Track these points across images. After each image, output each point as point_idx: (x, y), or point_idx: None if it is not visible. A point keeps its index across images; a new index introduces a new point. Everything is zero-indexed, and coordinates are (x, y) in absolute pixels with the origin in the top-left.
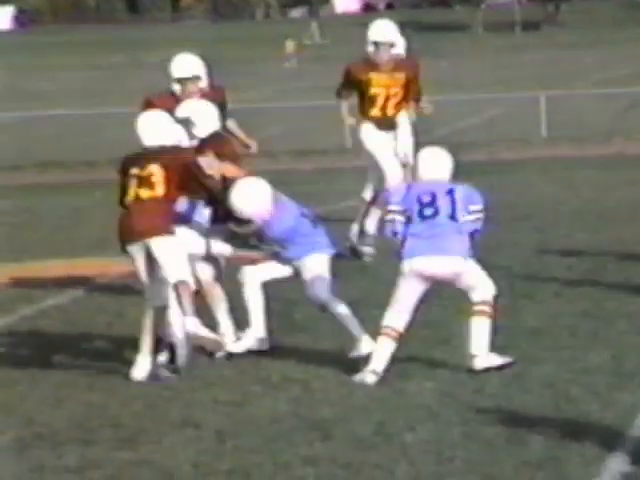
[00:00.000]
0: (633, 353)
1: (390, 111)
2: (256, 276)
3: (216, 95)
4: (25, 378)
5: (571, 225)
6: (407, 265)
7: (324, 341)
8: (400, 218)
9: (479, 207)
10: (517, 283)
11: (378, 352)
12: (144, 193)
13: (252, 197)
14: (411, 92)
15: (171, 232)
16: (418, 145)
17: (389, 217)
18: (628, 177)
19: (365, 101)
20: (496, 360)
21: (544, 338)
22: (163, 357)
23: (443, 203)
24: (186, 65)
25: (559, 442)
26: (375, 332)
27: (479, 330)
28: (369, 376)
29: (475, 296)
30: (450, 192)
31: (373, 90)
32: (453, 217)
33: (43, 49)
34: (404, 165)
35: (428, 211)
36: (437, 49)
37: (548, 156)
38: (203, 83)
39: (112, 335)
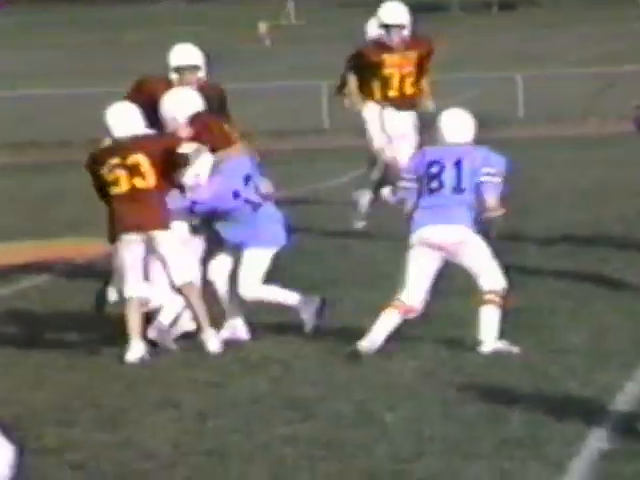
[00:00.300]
0: (611, 333)
1: (408, 90)
2: (221, 269)
3: (214, 91)
4: (3, 359)
5: (548, 205)
6: (414, 237)
7: (300, 322)
8: (412, 185)
9: (494, 170)
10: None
11: (380, 322)
12: (139, 183)
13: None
14: (425, 70)
15: (171, 226)
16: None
17: (401, 184)
18: (604, 157)
19: (379, 83)
20: (502, 347)
21: (523, 318)
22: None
23: (448, 175)
24: (186, 54)
25: (539, 421)
26: (356, 311)
27: (488, 319)
28: (363, 344)
29: (485, 284)
30: (458, 163)
31: (387, 71)
32: (458, 189)
33: (18, 28)
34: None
35: (434, 184)
36: (414, 29)
37: (525, 136)
38: (201, 74)
39: (90, 316)
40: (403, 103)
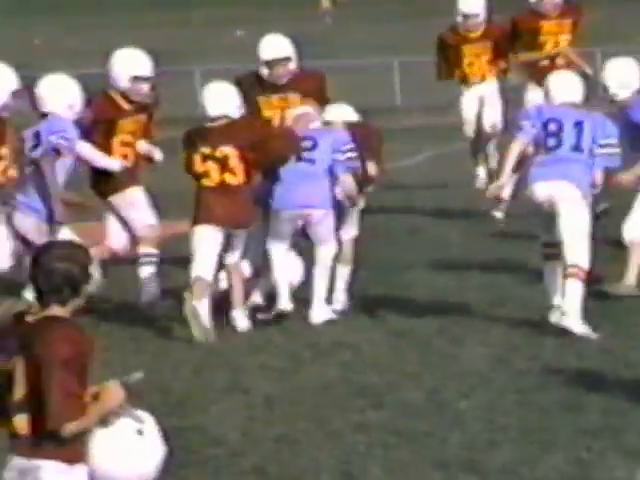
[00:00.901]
0: None
1: (559, 60)
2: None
3: (313, 79)
4: None
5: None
6: (529, 192)
7: (375, 305)
8: (530, 129)
9: (611, 140)
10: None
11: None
12: (229, 179)
13: None
14: (575, 36)
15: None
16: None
17: (520, 124)
18: None
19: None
20: (579, 328)
21: (601, 303)
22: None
23: (568, 134)
24: (275, 46)
25: (617, 409)
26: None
27: (571, 292)
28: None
29: (570, 257)
30: (579, 124)
31: (542, 38)
32: (577, 148)
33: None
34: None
35: (552, 141)
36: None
37: None
38: (292, 65)
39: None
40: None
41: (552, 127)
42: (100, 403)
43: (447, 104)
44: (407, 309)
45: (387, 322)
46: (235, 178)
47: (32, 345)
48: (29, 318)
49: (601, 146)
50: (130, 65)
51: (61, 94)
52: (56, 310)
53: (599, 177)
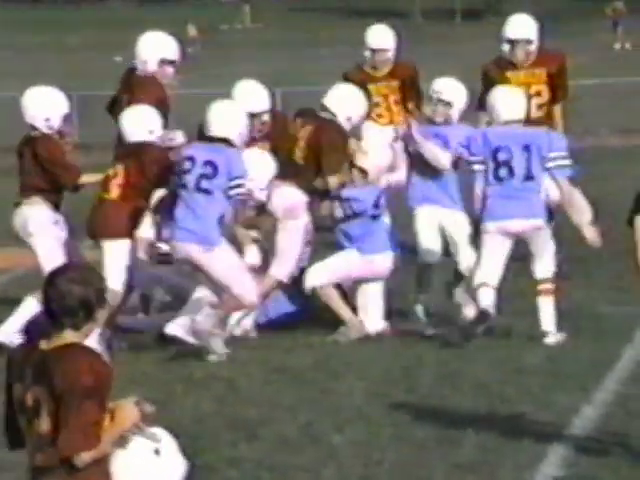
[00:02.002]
0: (569, 354)
1: (534, 113)
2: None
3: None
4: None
5: None
6: (490, 225)
7: (250, 339)
8: (481, 168)
9: (560, 153)
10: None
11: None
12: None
13: None
14: (559, 90)
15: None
16: None
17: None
18: None
19: None
20: (563, 339)
21: (478, 336)
22: None
23: (518, 162)
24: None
25: (492, 444)
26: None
27: (546, 309)
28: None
29: (539, 272)
30: (527, 148)
31: None
32: (529, 177)
33: None
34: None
35: (503, 171)
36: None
37: None
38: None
39: None
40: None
41: (502, 156)
42: (115, 424)
43: None
44: (283, 343)
45: (263, 355)
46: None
47: (52, 375)
48: (43, 345)
49: (550, 160)
50: (159, 48)
51: None
52: (70, 335)
53: (566, 186)
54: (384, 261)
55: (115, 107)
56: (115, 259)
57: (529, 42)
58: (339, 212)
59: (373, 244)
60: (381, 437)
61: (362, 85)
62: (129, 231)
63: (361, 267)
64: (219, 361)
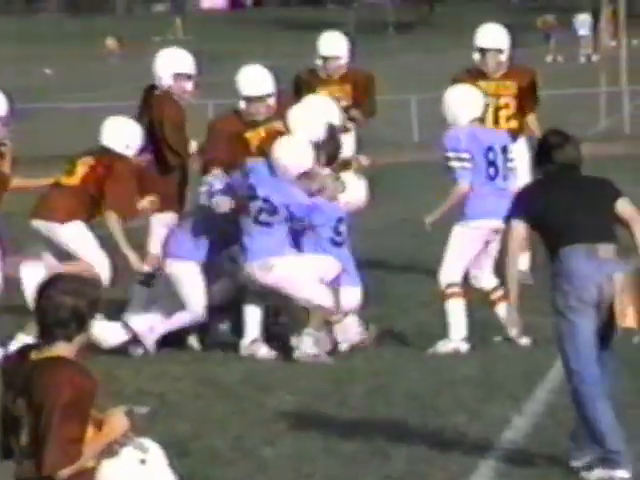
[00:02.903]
0: (502, 364)
1: (503, 124)
2: None
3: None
4: None
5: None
6: (476, 224)
7: (181, 353)
8: (468, 166)
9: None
10: (389, 290)
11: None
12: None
13: None
14: (530, 103)
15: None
16: None
17: (459, 164)
18: None
19: None
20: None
21: (411, 346)
22: None
23: (500, 163)
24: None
25: (423, 456)
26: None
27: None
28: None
29: (488, 282)
30: (504, 150)
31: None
32: (505, 177)
33: None
34: None
35: (492, 170)
36: (308, 49)
37: (421, 160)
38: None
39: None
40: None
41: (491, 156)
42: (103, 434)
43: None
44: (213, 357)
45: (194, 369)
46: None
47: (33, 388)
48: (34, 355)
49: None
50: (173, 63)
51: None
52: (61, 347)
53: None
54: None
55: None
56: (79, 241)
57: (500, 51)
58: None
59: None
60: (311, 450)
61: (311, 89)
62: (82, 215)
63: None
64: (152, 376)
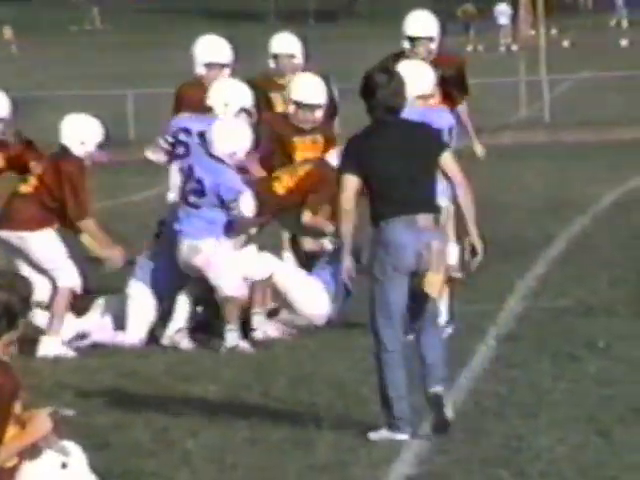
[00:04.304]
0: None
1: None
2: None
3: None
4: None
5: None
6: None
7: (101, 346)
8: None
9: None
10: None
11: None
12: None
13: None
14: (458, 92)
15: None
16: None
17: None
18: None
19: None
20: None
21: (334, 337)
22: None
23: None
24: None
25: (347, 444)
26: None
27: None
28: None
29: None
30: (450, 131)
31: None
32: None
33: None
34: None
35: None
36: (228, 38)
37: None
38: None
39: None
40: None
41: None
42: (24, 434)
43: None
44: (134, 349)
45: (113, 362)
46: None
47: None
48: None
49: None
50: (205, 52)
51: None
52: None
53: None
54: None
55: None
56: (49, 249)
57: (431, 39)
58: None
59: None
60: (235, 441)
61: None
62: (49, 221)
63: None
64: (69, 369)
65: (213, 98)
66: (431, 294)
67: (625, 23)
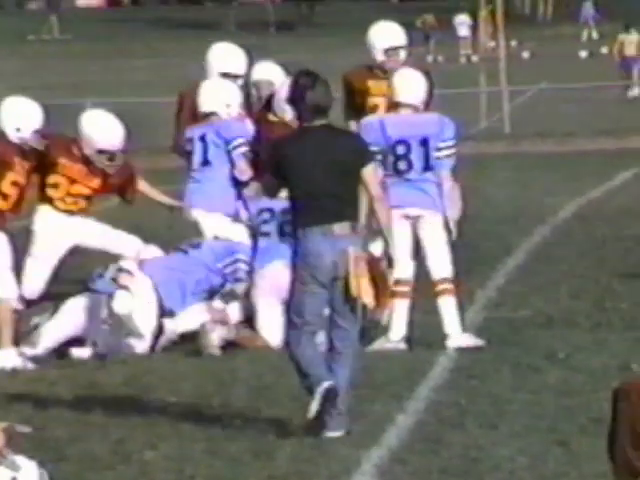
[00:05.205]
0: (383, 363)
1: None
2: None
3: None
4: None
5: None
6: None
7: (61, 357)
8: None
9: (450, 143)
10: None
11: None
12: None
13: None
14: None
15: None
16: None
17: None
18: None
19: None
20: (469, 340)
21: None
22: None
23: (416, 155)
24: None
25: (306, 455)
26: None
27: (447, 310)
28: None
29: (435, 274)
30: (424, 142)
31: (373, 100)
32: (427, 168)
33: None
34: None
35: (402, 164)
36: (188, 48)
37: None
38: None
39: None
40: None
41: (400, 149)
42: None
43: None
44: (92, 361)
45: (71, 373)
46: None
47: None
48: None
49: (439, 149)
50: (220, 61)
51: None
52: None
53: (445, 178)
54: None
55: None
56: None
57: (404, 48)
58: None
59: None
60: (194, 452)
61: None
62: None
63: None
64: (28, 380)
65: (212, 101)
66: (360, 298)
67: (595, 34)
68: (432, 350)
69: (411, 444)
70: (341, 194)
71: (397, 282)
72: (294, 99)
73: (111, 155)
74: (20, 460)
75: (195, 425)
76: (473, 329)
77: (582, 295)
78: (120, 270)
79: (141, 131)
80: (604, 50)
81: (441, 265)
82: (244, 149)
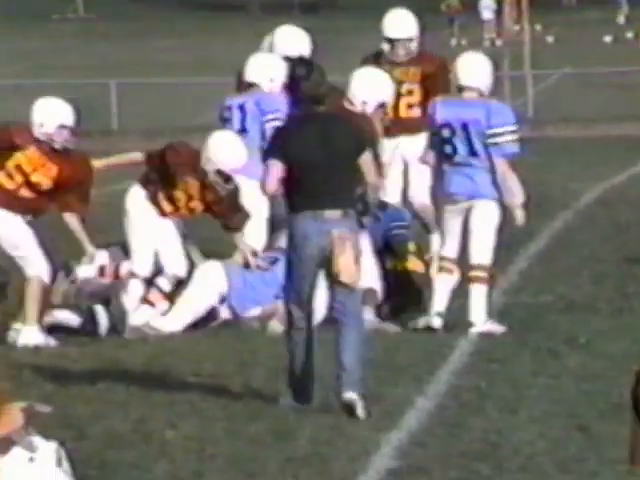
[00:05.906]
0: (404, 345)
1: (404, 113)
2: None
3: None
4: None
5: None
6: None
7: (83, 335)
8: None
9: (499, 130)
10: None
11: (438, 292)
12: None
13: None
14: (438, 91)
15: None
16: None
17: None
18: None
19: None
20: (492, 328)
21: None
22: None
23: (459, 140)
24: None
25: (326, 437)
26: None
27: (476, 297)
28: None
29: (473, 258)
30: (465, 126)
31: None
32: (473, 153)
33: None
34: None
35: (448, 148)
36: (212, 29)
37: None
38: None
39: None
40: (394, 125)
41: (445, 133)
42: None
43: None
44: (115, 339)
45: (93, 351)
46: None
47: None
48: None
49: (493, 136)
50: (285, 43)
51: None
52: None
53: (500, 165)
54: None
55: None
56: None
57: (410, 40)
58: None
59: None
60: (215, 432)
61: None
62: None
63: None
64: (50, 356)
65: (257, 73)
66: (344, 280)
67: (622, 19)
68: (453, 334)
69: (431, 427)
70: (337, 181)
71: (442, 258)
72: (290, 88)
73: (227, 177)
74: (38, 441)
75: (215, 405)
76: (494, 313)
77: (604, 280)
78: (152, 285)
79: (167, 110)
80: (629, 35)
81: (481, 251)
82: (277, 123)
